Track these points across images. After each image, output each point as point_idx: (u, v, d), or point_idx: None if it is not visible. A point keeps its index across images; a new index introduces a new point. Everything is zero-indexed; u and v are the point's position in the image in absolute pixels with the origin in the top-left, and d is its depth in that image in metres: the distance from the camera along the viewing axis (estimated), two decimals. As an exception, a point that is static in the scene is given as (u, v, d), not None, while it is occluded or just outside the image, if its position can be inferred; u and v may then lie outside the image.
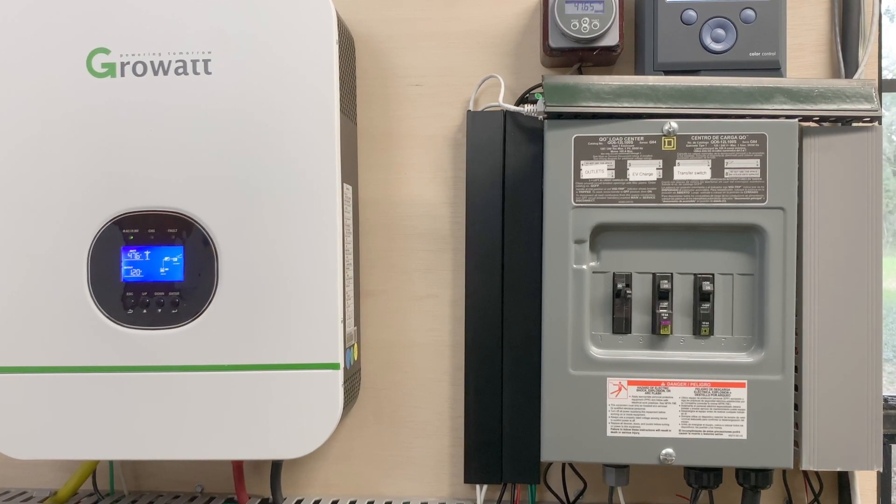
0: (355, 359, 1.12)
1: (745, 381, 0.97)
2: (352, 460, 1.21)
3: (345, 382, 1.03)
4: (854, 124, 0.98)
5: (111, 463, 1.22)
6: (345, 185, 1.05)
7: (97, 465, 1.20)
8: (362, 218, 1.18)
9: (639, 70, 1.08)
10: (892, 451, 1.16)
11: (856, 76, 1.10)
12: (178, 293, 1.01)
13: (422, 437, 1.19)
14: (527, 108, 1.04)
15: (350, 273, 1.08)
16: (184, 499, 1.21)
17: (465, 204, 1.12)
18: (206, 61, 1.00)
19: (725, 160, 0.96)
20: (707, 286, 0.98)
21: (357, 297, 1.15)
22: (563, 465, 1.15)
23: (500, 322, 1.11)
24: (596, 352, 0.99)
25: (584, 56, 1.09)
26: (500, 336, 1.11)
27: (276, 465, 1.14)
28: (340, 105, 1.02)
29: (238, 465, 1.14)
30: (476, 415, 1.11)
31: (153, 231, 1.01)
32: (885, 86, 1.18)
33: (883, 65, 1.14)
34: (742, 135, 0.96)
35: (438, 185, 1.18)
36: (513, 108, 1.07)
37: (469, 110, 1.14)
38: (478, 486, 1.14)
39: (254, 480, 1.20)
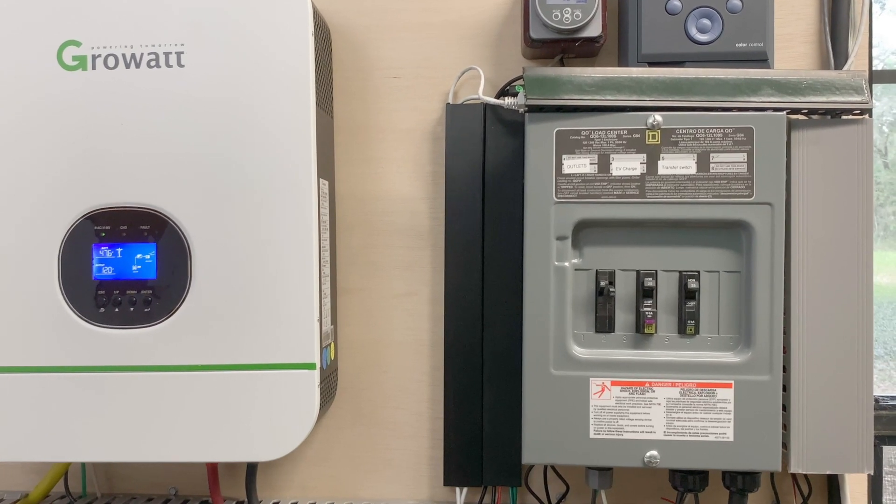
0: (332, 358, 1.10)
1: (732, 382, 0.95)
2: (329, 462, 1.19)
3: (321, 382, 1.02)
4: (844, 117, 0.96)
5: (83, 465, 1.20)
6: (321, 180, 1.03)
7: (69, 467, 1.18)
8: (339, 214, 1.16)
9: (622, 62, 1.06)
10: (884, 453, 1.15)
11: (845, 67, 1.08)
12: (150, 291, 1.00)
13: (400, 439, 1.17)
14: (507, 101, 1.03)
15: (326, 270, 1.06)
16: (157, 501, 1.19)
17: (445, 199, 1.10)
18: (178, 54, 0.99)
19: (711, 154, 0.94)
20: (692, 284, 0.96)
21: (334, 294, 1.13)
22: (545, 467, 1.13)
23: (481, 320, 1.09)
24: (578, 351, 0.97)
25: (566, 47, 1.07)
26: (480, 335, 1.09)
27: (252, 468, 1.12)
28: (316, 98, 1.00)
29: (213, 468, 1.12)
30: (456, 416, 1.10)
31: (125, 228, 1.00)
32: (875, 77, 1.16)
33: (874, 54, 1.12)
34: (728, 128, 0.94)
35: (417, 180, 1.16)
36: (493, 100, 1.06)
37: (448, 103, 1.12)
38: (458, 489, 1.12)
39: (229, 483, 1.18)
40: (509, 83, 1.11)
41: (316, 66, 1.00)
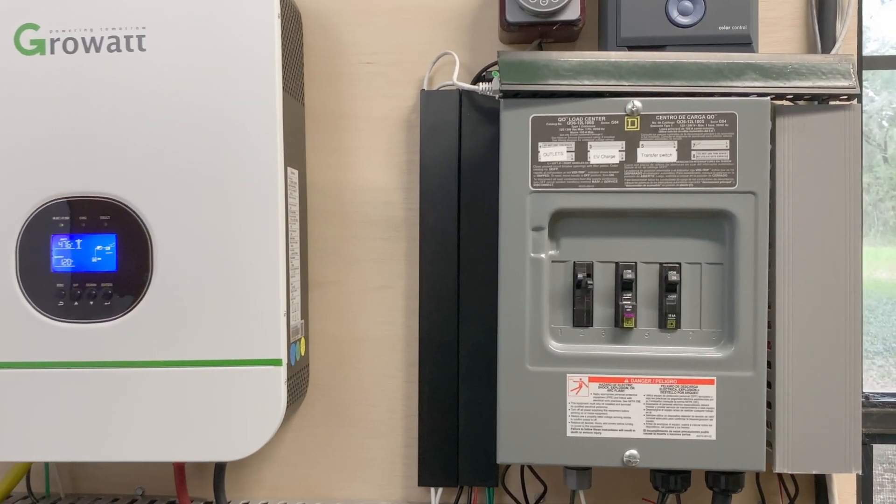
0: (302, 354, 1.08)
1: (714, 378, 0.92)
2: (300, 462, 1.16)
3: (289, 379, 0.99)
4: (831, 103, 0.93)
5: (46, 464, 1.17)
6: (289, 168, 1.00)
7: (30, 466, 1.15)
8: (311, 204, 1.13)
9: (602, 46, 1.04)
10: (874, 451, 1.13)
11: (833, 52, 1.05)
12: (110, 284, 0.98)
13: (374, 437, 1.15)
14: (482, 87, 1.01)
15: (296, 263, 1.03)
16: (123, 502, 1.16)
17: (419, 189, 1.08)
18: (140, 37, 0.96)
19: (692, 141, 0.91)
20: (673, 276, 0.93)
21: (304, 288, 1.10)
22: (522, 467, 1.11)
23: (457, 315, 1.07)
24: (555, 346, 0.94)
25: (544, 31, 1.04)
26: (456, 329, 1.07)
27: (220, 468, 1.09)
28: (284, 84, 0.98)
29: (179, 467, 1.09)
30: (431, 413, 1.08)
31: (84, 218, 0.98)
32: (867, 63, 1.13)
33: (873, 49, 1.09)
34: (710, 114, 0.91)
35: (391, 170, 1.13)
36: (468, 86, 1.03)
37: (423, 89, 1.09)
38: (432, 489, 1.10)
39: (197, 483, 1.15)
40: (485, 69, 1.08)
41: (284, 50, 0.98)
